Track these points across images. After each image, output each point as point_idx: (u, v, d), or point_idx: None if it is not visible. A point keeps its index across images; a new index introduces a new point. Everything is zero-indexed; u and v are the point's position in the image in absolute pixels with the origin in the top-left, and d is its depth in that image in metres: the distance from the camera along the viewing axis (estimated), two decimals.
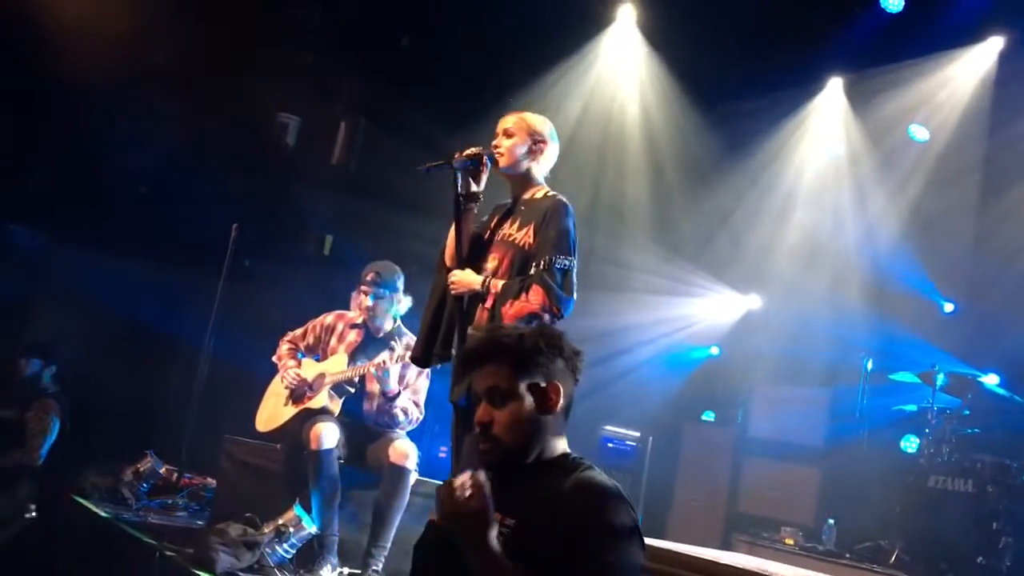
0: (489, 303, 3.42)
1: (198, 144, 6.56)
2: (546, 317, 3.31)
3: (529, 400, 2.14)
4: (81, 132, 6.25)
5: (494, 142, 3.63)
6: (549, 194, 3.62)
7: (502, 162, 3.59)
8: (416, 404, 4.70)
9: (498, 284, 3.41)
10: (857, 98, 7.67)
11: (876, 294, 7.31)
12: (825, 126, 7.92)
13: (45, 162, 6.35)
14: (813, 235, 7.87)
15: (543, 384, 2.16)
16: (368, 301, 4.76)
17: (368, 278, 4.79)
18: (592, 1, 7.48)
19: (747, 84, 7.27)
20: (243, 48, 6.71)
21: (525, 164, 3.63)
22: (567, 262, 3.41)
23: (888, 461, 6.49)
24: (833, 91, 7.81)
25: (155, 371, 6.80)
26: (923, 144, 7.43)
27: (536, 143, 3.64)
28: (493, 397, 2.16)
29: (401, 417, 4.64)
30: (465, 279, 3.49)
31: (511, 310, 3.33)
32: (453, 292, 3.50)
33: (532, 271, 3.39)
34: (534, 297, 3.31)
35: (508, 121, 3.66)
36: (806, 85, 7.74)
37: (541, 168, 3.68)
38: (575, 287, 3.47)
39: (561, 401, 2.16)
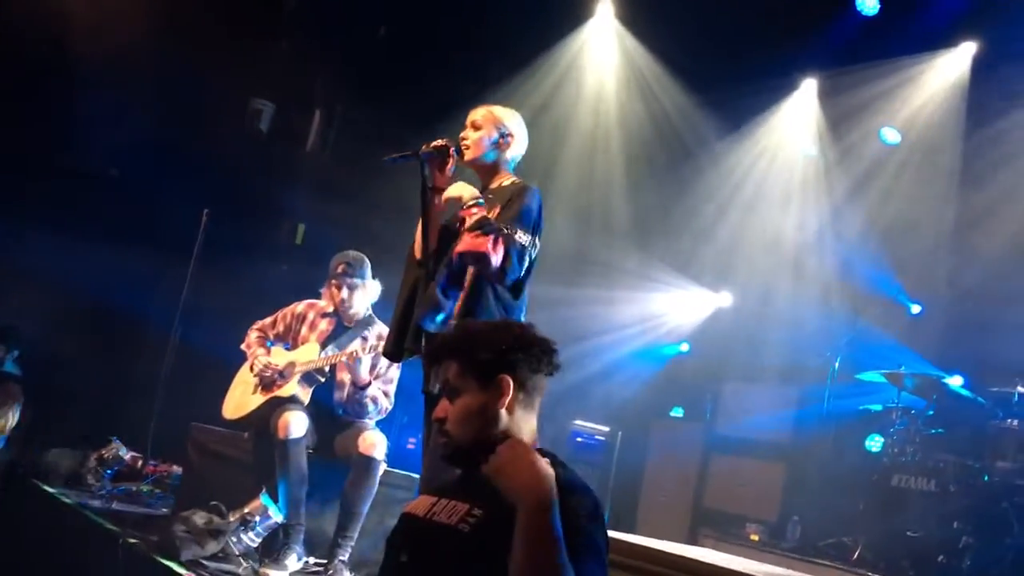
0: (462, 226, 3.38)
1: (170, 128, 6.49)
2: (491, 263, 3.26)
3: (478, 394, 2.16)
4: (51, 113, 6.15)
5: (461, 134, 3.60)
6: (516, 181, 3.61)
7: (468, 154, 3.56)
8: (386, 394, 4.69)
9: (479, 215, 3.34)
10: (830, 99, 7.74)
11: (845, 294, 7.39)
12: (797, 126, 7.99)
13: (13, 143, 6.23)
14: (784, 234, 7.93)
15: (489, 379, 2.16)
16: (343, 293, 4.73)
17: (339, 270, 4.76)
18: None
19: (721, 81, 7.32)
20: (218, 32, 6.63)
21: (492, 156, 3.60)
22: (525, 238, 3.38)
23: (853, 459, 6.57)
24: (806, 91, 7.87)
25: (122, 356, 6.73)
26: (894, 147, 7.50)
27: (503, 136, 3.62)
28: (447, 392, 2.21)
29: (371, 407, 4.62)
30: (456, 190, 3.45)
31: (467, 240, 3.29)
32: (442, 200, 3.46)
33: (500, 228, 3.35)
34: (491, 244, 3.27)
35: (476, 114, 3.63)
36: (780, 84, 7.80)
37: (508, 160, 3.67)
38: (530, 269, 3.44)
39: (511, 395, 2.16)
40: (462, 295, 3.39)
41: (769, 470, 7.16)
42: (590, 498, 2.05)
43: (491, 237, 3.27)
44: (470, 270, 3.34)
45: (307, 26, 7.23)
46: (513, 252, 3.31)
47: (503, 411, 2.16)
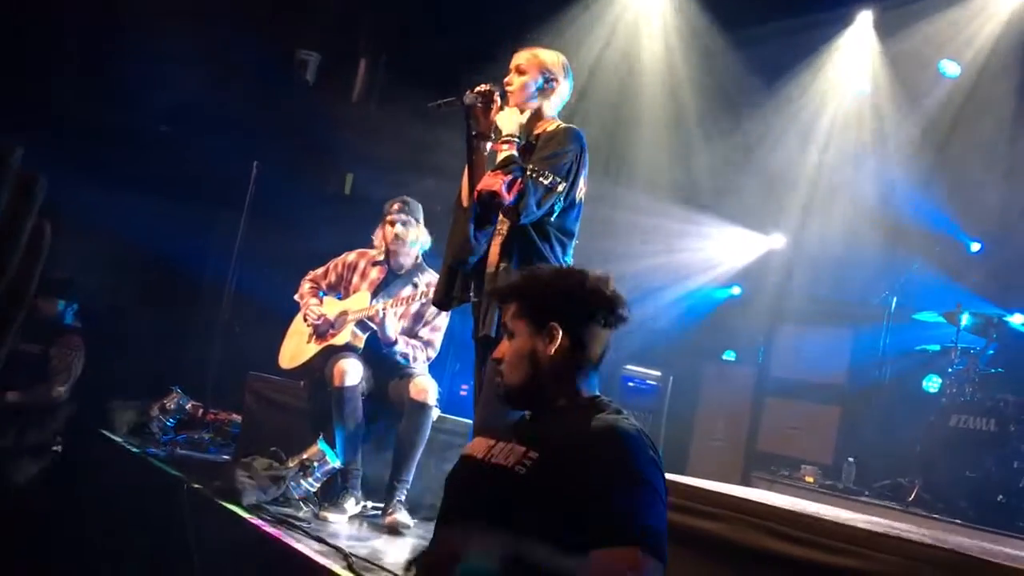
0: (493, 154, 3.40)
1: (218, 82, 6.52)
2: (502, 202, 3.24)
3: (529, 339, 2.19)
4: (104, 70, 6.21)
5: (506, 79, 3.54)
6: (560, 125, 3.56)
7: (513, 100, 3.50)
8: (430, 343, 4.74)
9: (508, 152, 3.34)
10: (886, 31, 7.48)
11: (900, 233, 7.22)
12: (852, 61, 7.75)
13: (66, 104, 6.31)
14: (837, 173, 7.75)
15: (540, 324, 2.19)
16: (397, 228, 4.76)
17: (394, 208, 4.81)
18: None
19: (772, 16, 7.12)
20: None
21: (536, 101, 3.54)
22: (554, 180, 3.34)
23: (910, 400, 6.49)
24: (862, 25, 7.62)
25: (180, 308, 6.86)
26: (953, 80, 7.26)
27: (548, 80, 3.55)
28: (505, 332, 2.27)
29: (402, 362, 4.67)
30: (500, 118, 3.43)
31: (486, 179, 3.29)
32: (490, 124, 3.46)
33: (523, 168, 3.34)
34: (505, 184, 3.25)
35: (520, 57, 3.56)
36: (834, 18, 7.56)
37: (553, 105, 3.61)
38: (574, 218, 3.43)
39: (559, 343, 2.17)
40: (498, 237, 3.38)
41: (824, 412, 7.11)
42: (647, 443, 2.05)
43: (507, 177, 3.24)
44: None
45: None
46: (532, 194, 3.26)
47: (551, 358, 2.17)
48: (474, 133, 3.47)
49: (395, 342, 4.62)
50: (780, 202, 8.07)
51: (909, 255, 7.06)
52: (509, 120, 3.42)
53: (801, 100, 7.85)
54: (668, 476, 2.10)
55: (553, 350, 2.17)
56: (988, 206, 6.94)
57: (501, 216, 3.38)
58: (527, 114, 3.52)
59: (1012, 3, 6.85)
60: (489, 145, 3.49)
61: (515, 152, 3.34)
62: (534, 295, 2.23)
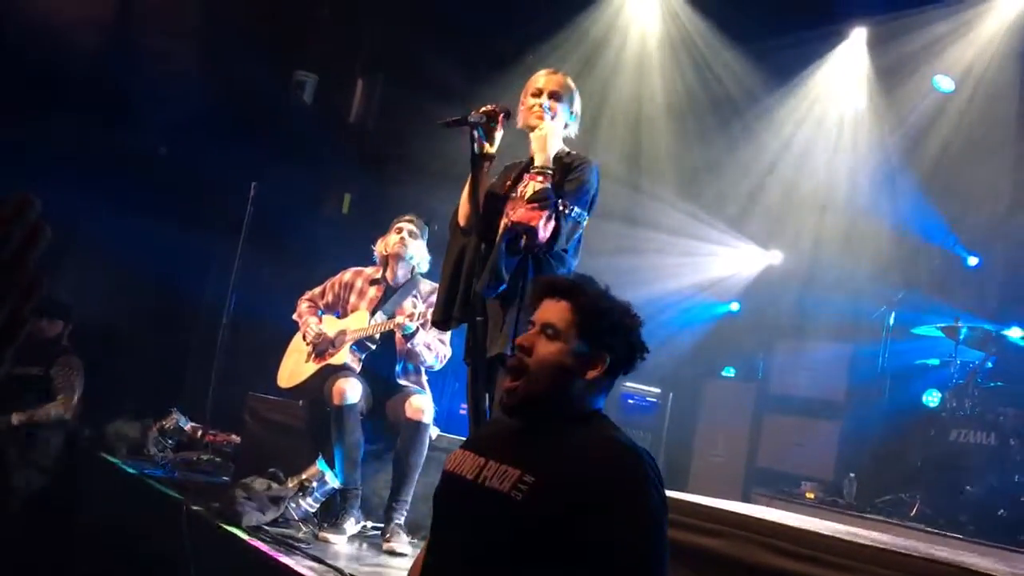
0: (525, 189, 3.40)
1: (216, 104, 6.55)
2: (537, 236, 3.27)
3: (573, 354, 2.11)
4: (101, 94, 6.24)
5: (535, 100, 3.53)
6: (574, 154, 3.58)
7: (544, 121, 3.48)
8: (442, 341, 4.72)
9: (540, 185, 3.34)
10: (881, 48, 7.53)
11: (898, 248, 7.24)
12: (847, 77, 7.80)
13: (67, 124, 6.34)
14: (834, 188, 7.78)
15: (592, 349, 2.12)
16: (403, 235, 4.79)
17: (404, 219, 4.87)
18: None
19: (768, 34, 7.17)
20: (259, 6, 6.67)
21: (563, 129, 3.58)
22: (580, 214, 3.39)
23: (909, 415, 6.47)
24: (856, 41, 7.67)
25: (178, 329, 6.86)
26: (948, 94, 7.29)
27: (574, 112, 3.61)
28: (547, 329, 2.14)
29: (427, 354, 4.65)
30: (541, 138, 3.44)
31: (523, 211, 3.31)
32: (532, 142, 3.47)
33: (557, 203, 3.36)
34: (544, 219, 3.28)
35: (555, 82, 3.57)
36: (828, 35, 7.61)
37: (569, 134, 3.65)
38: (578, 242, 3.47)
39: (598, 373, 2.12)
40: (523, 263, 3.39)
41: (824, 428, 7.10)
42: (648, 464, 2.01)
43: (545, 212, 3.27)
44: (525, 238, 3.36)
45: None
46: (564, 227, 3.33)
47: (586, 383, 2.13)
48: (478, 152, 3.48)
49: (416, 331, 4.59)
50: (778, 218, 8.09)
51: (907, 269, 7.07)
52: (541, 150, 3.43)
53: (796, 116, 7.89)
54: (669, 493, 2.09)
55: (592, 378, 2.13)
56: (985, 220, 6.96)
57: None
58: (557, 143, 3.53)
59: (1004, 18, 6.89)
60: (488, 165, 3.51)
61: (549, 185, 3.35)
62: (599, 316, 2.14)
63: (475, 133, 3.44)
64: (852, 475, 6.29)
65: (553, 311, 2.15)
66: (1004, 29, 6.86)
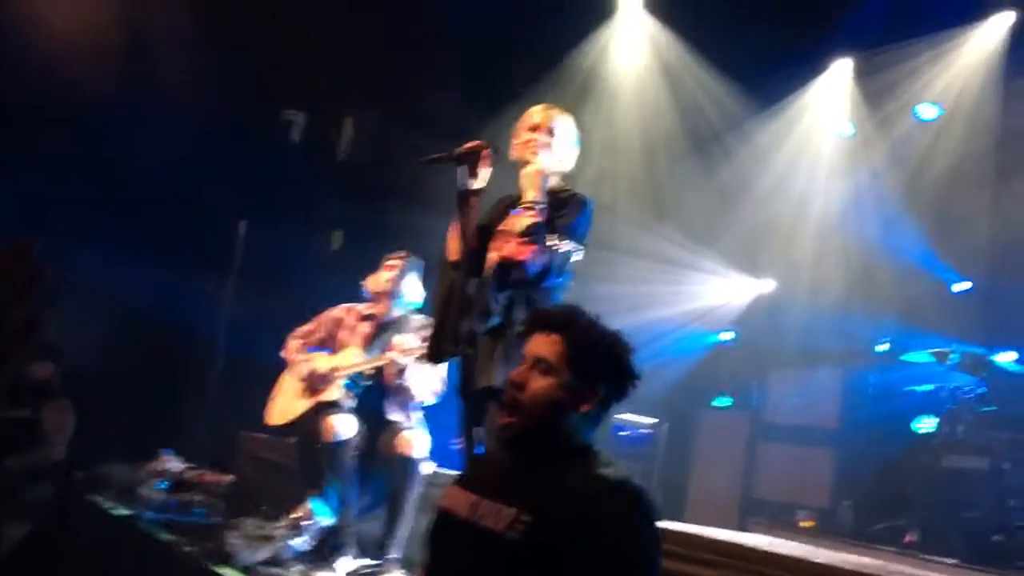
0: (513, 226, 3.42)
1: (206, 143, 6.58)
2: (526, 272, 3.31)
3: (566, 388, 2.11)
4: (88, 133, 6.27)
5: (533, 134, 3.56)
6: (568, 189, 3.61)
7: (540, 154, 3.51)
8: (434, 376, 4.71)
9: (530, 220, 3.36)
10: (864, 77, 7.62)
11: (888, 274, 7.28)
12: (833, 106, 7.88)
13: (54, 164, 6.36)
14: (822, 216, 7.83)
15: (585, 382, 2.13)
16: (395, 272, 4.80)
17: (396, 256, 4.88)
18: None
19: (753, 65, 7.26)
20: (247, 45, 6.72)
21: (558, 164, 3.60)
22: (573, 248, 3.42)
23: (903, 441, 6.47)
24: (841, 71, 7.76)
25: (170, 368, 6.83)
26: (932, 123, 7.38)
27: (571, 147, 3.63)
28: (539, 364, 2.14)
29: (418, 389, 4.64)
30: (533, 174, 3.45)
31: (513, 246, 3.34)
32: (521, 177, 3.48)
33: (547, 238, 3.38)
34: (533, 254, 3.30)
35: (553, 119, 3.60)
36: (811, 65, 7.71)
37: (563, 171, 3.66)
38: (570, 275, 3.49)
39: (591, 406, 2.13)
40: (515, 305, 3.40)
41: (818, 456, 7.09)
42: (645, 502, 2.01)
43: (536, 247, 3.30)
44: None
45: (335, 33, 7.28)
46: (555, 263, 3.36)
47: (580, 415, 2.13)
48: (465, 189, 3.50)
49: (405, 367, 4.59)
50: (769, 246, 8.13)
51: (898, 296, 7.10)
52: (532, 185, 3.44)
53: (784, 146, 7.96)
54: (665, 524, 2.09)
55: (586, 411, 2.13)
56: (972, 246, 7.01)
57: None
58: (552, 178, 3.55)
59: (984, 48, 6.98)
60: (476, 198, 3.53)
61: (541, 220, 3.37)
62: (590, 349, 2.14)
63: (461, 170, 3.47)
64: (847, 502, 6.28)
65: (544, 345, 2.15)
66: (984, 58, 6.96)
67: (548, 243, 3.35)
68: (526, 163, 3.53)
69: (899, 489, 6.11)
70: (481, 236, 3.54)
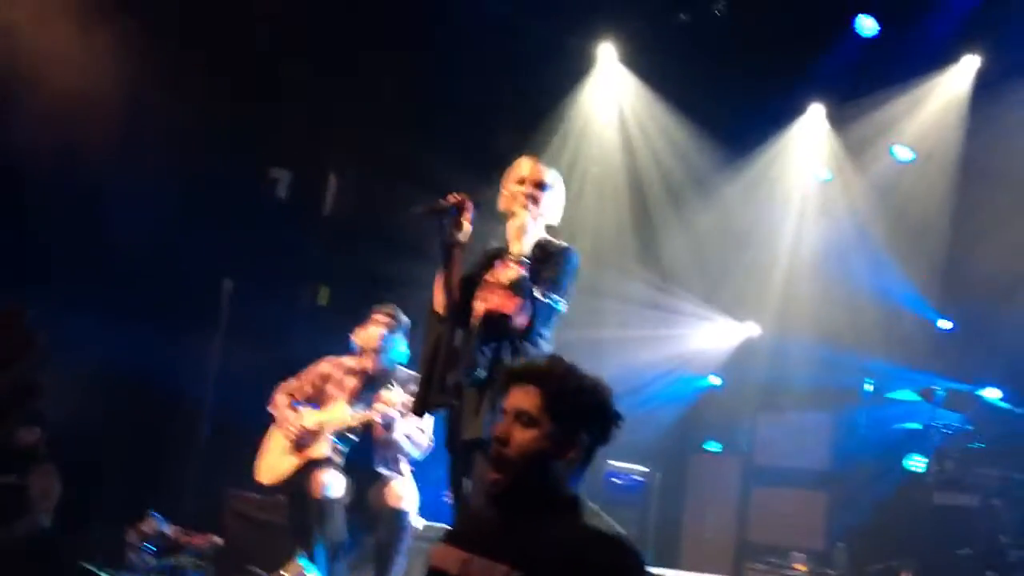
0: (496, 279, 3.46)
1: (190, 202, 6.62)
2: (511, 324, 3.35)
3: (548, 439, 2.11)
4: (72, 193, 6.29)
5: (522, 188, 3.60)
6: (553, 241, 3.65)
7: (526, 210, 3.55)
8: (422, 430, 4.71)
9: (515, 272, 3.40)
10: (838, 122, 7.75)
11: (871, 314, 7.32)
12: (809, 151, 7.99)
13: (32, 228, 6.37)
14: (804, 260, 7.90)
15: (568, 430, 2.13)
16: (383, 330, 4.79)
17: (384, 312, 4.88)
18: (572, 42, 7.57)
19: (729, 113, 7.38)
20: (230, 106, 6.80)
21: (542, 218, 3.63)
22: (557, 301, 3.45)
23: (894, 481, 6.47)
24: (815, 116, 7.89)
25: (155, 429, 6.78)
26: (907, 164, 7.49)
27: (557, 200, 3.68)
28: (520, 417, 2.14)
29: (407, 445, 4.64)
30: (518, 228, 3.48)
31: (497, 299, 3.39)
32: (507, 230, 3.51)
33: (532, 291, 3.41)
34: (518, 307, 3.33)
35: (545, 173, 3.65)
36: (787, 112, 7.83)
37: (550, 222, 3.70)
38: (552, 326, 3.52)
39: (576, 453, 2.14)
40: (500, 356, 3.41)
41: (811, 499, 7.08)
42: (629, 548, 2.02)
43: (520, 300, 3.33)
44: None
45: (316, 92, 7.37)
46: (540, 314, 3.40)
47: (565, 465, 2.13)
48: (449, 241, 3.53)
49: (392, 420, 4.58)
50: (751, 291, 8.18)
51: (881, 335, 7.14)
52: (518, 237, 3.49)
53: (764, 190, 8.04)
54: (660, 571, 2.10)
55: (571, 457, 2.13)
56: (954, 283, 7.08)
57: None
58: (538, 231, 3.60)
59: (954, 91, 7.12)
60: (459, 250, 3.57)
61: (525, 273, 3.41)
62: (569, 397, 2.14)
63: (444, 223, 3.51)
64: (841, 544, 6.26)
65: (523, 397, 2.15)
66: (953, 102, 7.09)
67: (534, 295, 3.39)
68: (512, 215, 3.57)
69: (893, 528, 6.10)
70: (466, 287, 3.58)
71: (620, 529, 2.08)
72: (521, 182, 3.61)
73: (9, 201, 6.11)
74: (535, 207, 3.57)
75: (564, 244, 3.63)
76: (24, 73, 5.53)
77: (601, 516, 2.11)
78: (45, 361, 6.15)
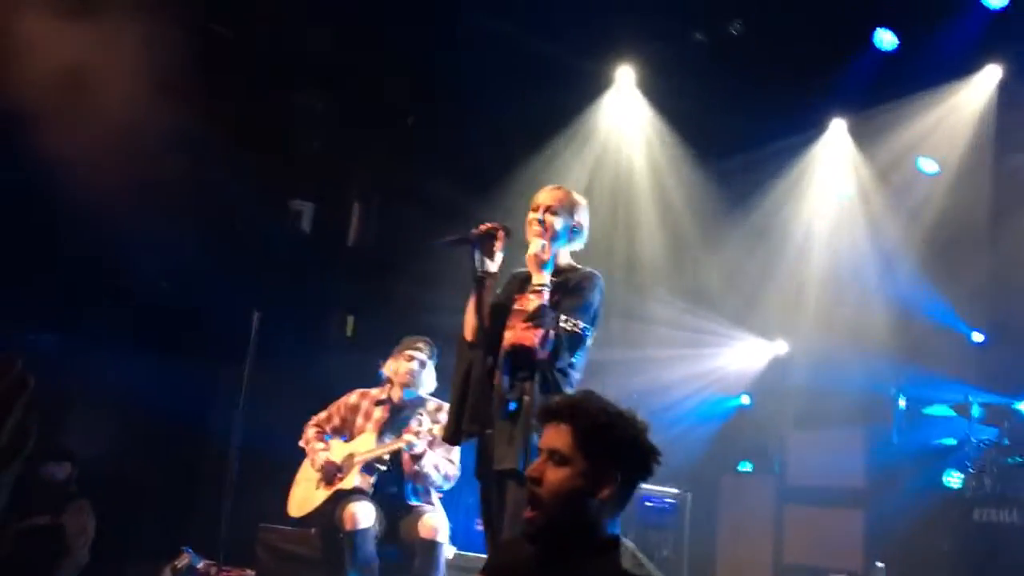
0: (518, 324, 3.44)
1: (216, 237, 6.67)
2: (535, 356, 3.32)
3: (582, 476, 2.12)
4: (98, 233, 6.36)
5: (535, 215, 3.57)
6: (576, 266, 3.63)
7: (539, 238, 3.52)
8: (451, 461, 4.70)
9: (535, 303, 3.39)
10: (861, 136, 7.71)
11: (902, 329, 7.25)
12: (833, 167, 7.95)
13: (63, 266, 6.44)
14: (833, 276, 7.83)
15: (601, 467, 2.13)
16: (413, 364, 4.80)
17: (416, 345, 4.87)
18: (590, 66, 7.58)
19: (751, 133, 7.36)
20: (252, 140, 6.86)
21: (563, 243, 3.60)
22: (585, 328, 3.42)
23: (932, 497, 6.37)
24: (837, 132, 7.85)
25: (187, 464, 6.81)
26: (933, 176, 7.43)
27: (576, 223, 3.62)
28: (553, 456, 2.16)
29: (435, 475, 4.62)
30: (532, 257, 3.48)
31: (518, 333, 3.37)
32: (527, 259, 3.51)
33: (557, 320, 3.40)
34: (539, 339, 3.31)
35: (551, 197, 3.60)
36: (809, 129, 7.80)
37: (575, 246, 3.67)
38: (584, 353, 3.49)
39: (611, 490, 2.13)
40: (529, 383, 3.39)
41: (847, 517, 6.98)
42: None
43: (541, 332, 3.31)
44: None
45: (337, 124, 7.43)
46: (565, 343, 3.36)
47: (601, 502, 2.13)
48: (480, 270, 3.53)
49: (423, 453, 4.58)
50: (780, 309, 8.12)
51: (913, 350, 7.06)
52: (534, 266, 3.47)
53: (789, 206, 8.00)
54: None
55: (607, 496, 2.13)
56: (984, 296, 7.00)
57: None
58: (561, 256, 3.59)
59: (976, 101, 7.07)
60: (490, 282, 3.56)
61: (545, 302, 3.40)
62: (601, 433, 2.14)
63: (475, 252, 3.51)
64: (880, 564, 6.15)
65: (555, 436, 2.17)
66: (977, 113, 7.04)
67: (558, 323, 3.36)
68: (528, 244, 3.57)
69: (932, 546, 6.00)
70: (497, 315, 3.56)
71: (658, 573, 2.07)
72: (535, 210, 3.60)
73: (42, 240, 6.18)
74: (546, 233, 3.54)
75: (587, 269, 3.61)
76: (59, 113, 5.61)
77: (640, 559, 2.10)
78: (69, 400, 6.21)
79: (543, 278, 3.44)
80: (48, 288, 6.25)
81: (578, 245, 3.69)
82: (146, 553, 5.93)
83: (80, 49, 5.49)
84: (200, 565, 5.79)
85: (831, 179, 7.98)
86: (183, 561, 5.75)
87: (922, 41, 6.77)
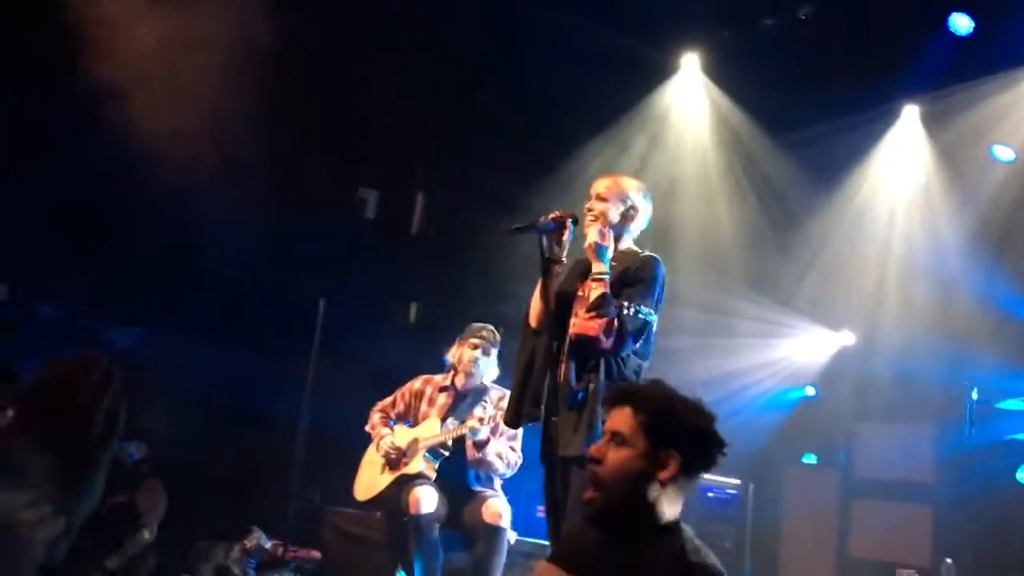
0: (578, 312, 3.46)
1: (282, 223, 6.78)
2: (600, 346, 3.33)
3: (642, 458, 2.15)
4: (168, 221, 6.50)
5: (587, 204, 3.63)
6: (637, 251, 3.64)
7: (592, 227, 3.56)
8: (513, 449, 4.73)
9: (597, 291, 3.41)
10: (935, 124, 7.50)
11: (975, 321, 7.05)
12: (905, 155, 7.75)
13: (135, 257, 6.60)
14: (903, 266, 7.66)
15: (661, 450, 2.15)
16: (476, 352, 4.85)
17: (481, 334, 4.92)
18: (654, 54, 7.51)
19: (821, 121, 7.20)
20: (318, 127, 6.95)
21: (616, 229, 3.62)
22: (648, 313, 3.42)
23: (1005, 494, 6.21)
24: (909, 119, 7.66)
25: (255, 447, 6.95)
26: (1009, 164, 7.21)
27: (629, 207, 3.64)
28: (615, 437, 2.19)
29: (498, 463, 4.67)
30: (589, 246, 3.50)
31: (581, 323, 3.39)
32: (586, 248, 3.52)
33: (620, 308, 3.40)
34: (603, 328, 3.32)
35: (601, 185, 3.66)
36: (881, 116, 7.61)
37: (633, 231, 3.69)
38: (650, 339, 3.50)
39: (671, 473, 2.14)
40: (594, 372, 3.41)
41: (915, 512, 6.85)
42: None
43: (604, 321, 3.32)
44: None
45: (401, 111, 7.48)
46: (629, 329, 3.37)
47: (659, 485, 2.14)
48: (548, 257, 3.55)
49: (487, 441, 4.64)
50: (847, 299, 7.98)
51: (987, 343, 6.88)
52: (593, 255, 3.50)
53: (858, 197, 7.84)
54: None
55: (666, 478, 2.15)
56: None
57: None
58: (621, 242, 3.61)
59: None
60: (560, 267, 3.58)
61: (607, 290, 3.41)
62: (662, 417, 2.17)
63: (543, 239, 3.53)
64: (949, 561, 6.02)
65: (618, 418, 2.21)
66: None
67: (621, 311, 3.37)
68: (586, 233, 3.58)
69: (1004, 544, 5.86)
70: (562, 302, 3.58)
71: (718, 564, 2.08)
72: (591, 198, 3.63)
73: (119, 235, 6.35)
74: (597, 220, 3.56)
75: (647, 254, 3.61)
76: (137, 110, 5.74)
77: (700, 547, 2.11)
78: (146, 386, 6.38)
79: (602, 266, 3.45)
80: (129, 282, 6.42)
81: (638, 229, 3.70)
82: (217, 532, 6.08)
83: (160, 34, 5.60)
84: (269, 545, 5.93)
85: (904, 166, 7.79)
86: (252, 541, 5.89)
87: (999, 26, 6.57)
